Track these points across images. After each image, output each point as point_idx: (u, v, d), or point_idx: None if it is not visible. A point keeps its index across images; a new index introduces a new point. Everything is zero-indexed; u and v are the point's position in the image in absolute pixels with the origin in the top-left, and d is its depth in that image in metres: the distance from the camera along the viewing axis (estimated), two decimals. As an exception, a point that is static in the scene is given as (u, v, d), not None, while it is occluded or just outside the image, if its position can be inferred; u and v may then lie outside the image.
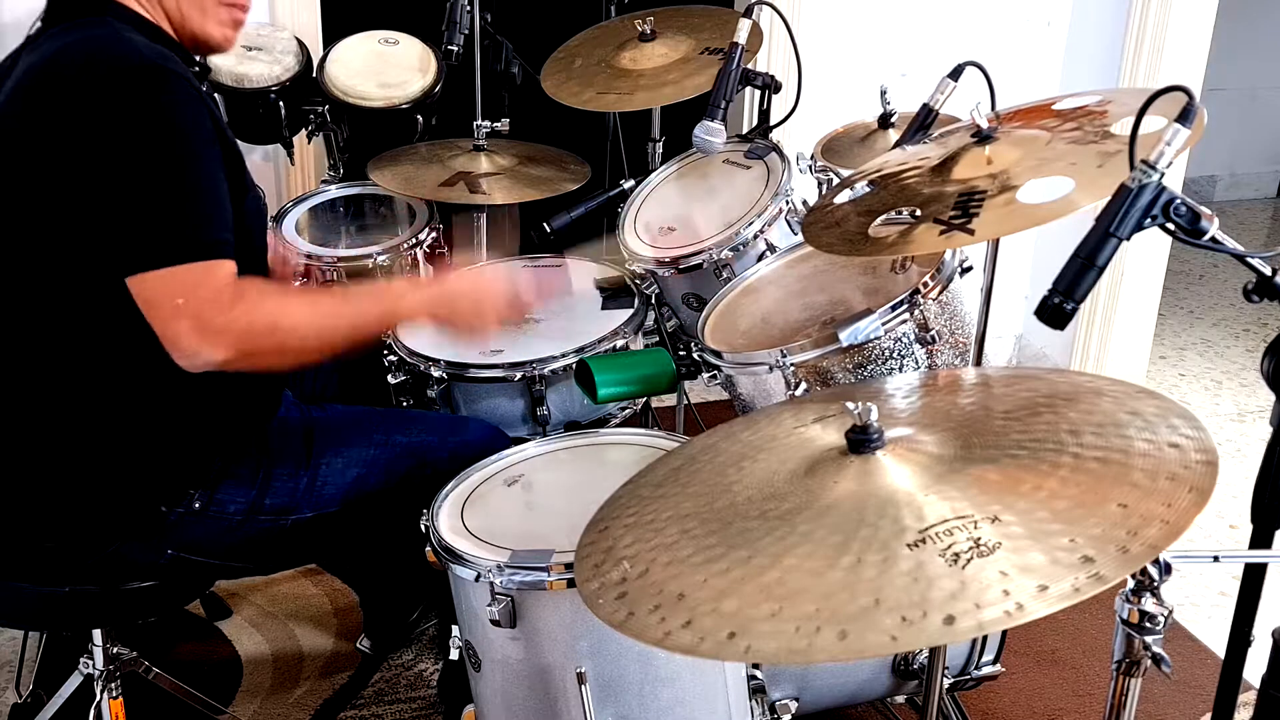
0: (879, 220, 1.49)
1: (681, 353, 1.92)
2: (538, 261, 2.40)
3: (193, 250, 1.49)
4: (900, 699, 2.18)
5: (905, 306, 1.74)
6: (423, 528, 1.63)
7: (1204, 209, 1.19)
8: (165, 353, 1.53)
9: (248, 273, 1.71)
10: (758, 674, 1.72)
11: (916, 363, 1.77)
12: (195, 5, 1.66)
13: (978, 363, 1.78)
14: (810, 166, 2.35)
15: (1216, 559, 1.20)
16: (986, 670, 2.02)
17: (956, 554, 1.02)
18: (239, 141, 2.69)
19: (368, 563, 2.36)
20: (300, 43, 2.70)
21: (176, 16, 1.66)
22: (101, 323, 1.54)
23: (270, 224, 2.54)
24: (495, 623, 1.50)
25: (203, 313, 1.48)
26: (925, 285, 1.76)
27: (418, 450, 1.84)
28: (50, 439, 1.62)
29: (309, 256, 2.45)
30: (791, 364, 1.75)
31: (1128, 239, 1.19)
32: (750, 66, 2.23)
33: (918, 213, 1.46)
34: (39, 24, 1.64)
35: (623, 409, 2.15)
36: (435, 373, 2.04)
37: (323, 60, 2.66)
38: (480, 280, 1.71)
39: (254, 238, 1.71)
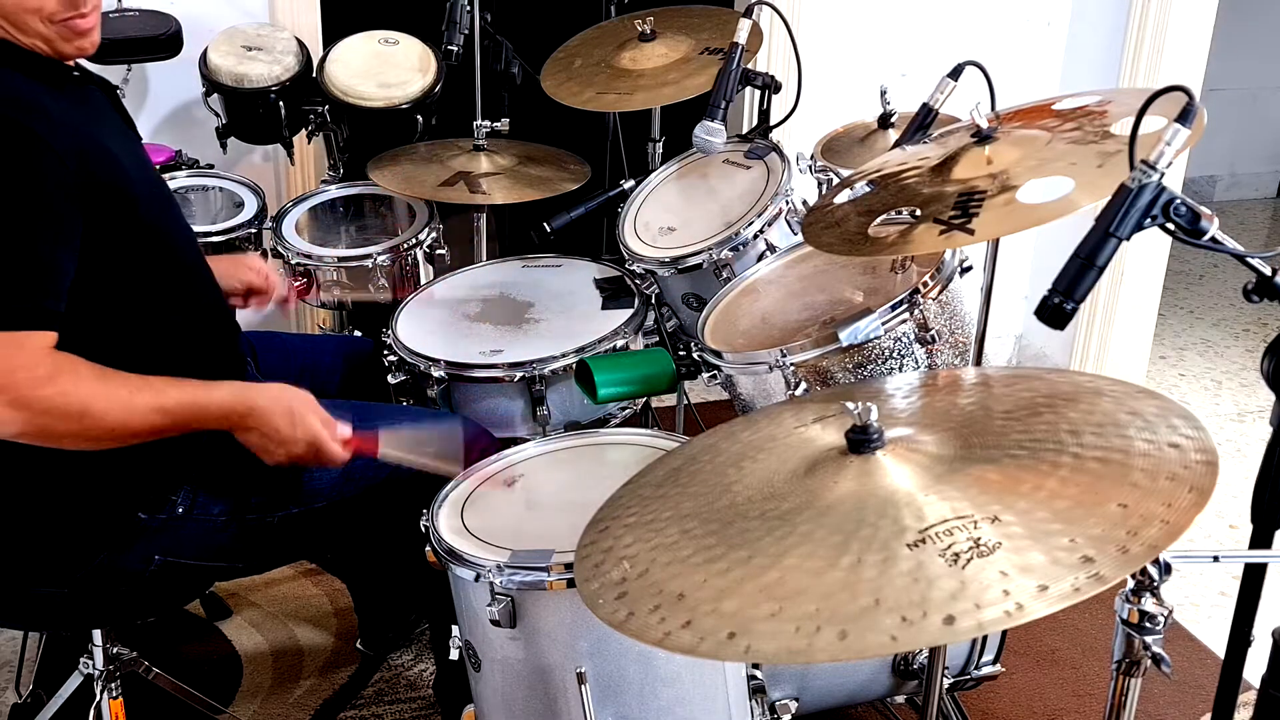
0: (879, 220, 1.49)
1: (681, 353, 1.92)
2: (537, 262, 2.40)
3: (3, 318, 1.44)
4: (900, 699, 2.18)
5: (905, 306, 1.74)
6: (423, 528, 1.63)
7: (1204, 209, 1.19)
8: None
9: (195, 300, 1.73)
10: (758, 674, 1.72)
11: (916, 363, 1.77)
12: (24, 29, 1.55)
13: (978, 363, 1.78)
14: (810, 166, 2.35)
15: (1216, 559, 1.20)
16: (986, 670, 2.02)
17: (956, 554, 1.02)
18: (238, 138, 2.72)
19: (362, 562, 2.36)
20: (300, 43, 2.70)
21: (11, 35, 1.56)
22: (70, 340, 1.51)
23: (269, 224, 2.55)
24: (495, 623, 1.50)
25: (6, 383, 1.44)
26: (925, 285, 1.76)
27: None
28: (17, 455, 1.58)
29: (309, 257, 2.45)
30: (791, 364, 1.75)
31: (1128, 239, 1.19)
32: (750, 66, 2.23)
33: (918, 213, 1.46)
34: None
35: (623, 409, 2.15)
36: (435, 373, 2.04)
37: (323, 60, 2.66)
38: (289, 428, 1.61)
39: (182, 255, 1.70)
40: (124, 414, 1.52)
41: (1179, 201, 1.18)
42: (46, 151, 1.48)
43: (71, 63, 1.65)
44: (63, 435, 1.50)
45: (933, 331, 1.76)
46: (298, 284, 2.44)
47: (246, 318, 2.14)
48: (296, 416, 1.62)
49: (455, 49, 2.47)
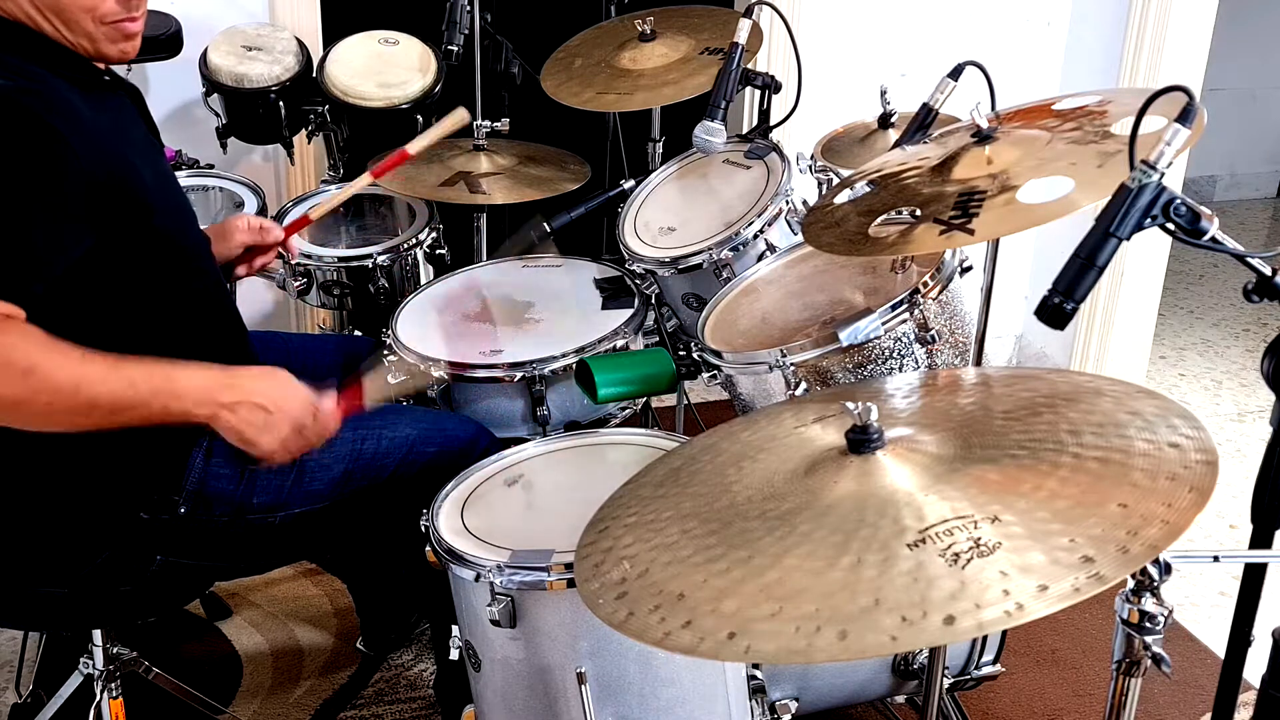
0: (879, 220, 1.49)
1: (681, 353, 1.92)
2: (537, 262, 2.40)
3: None
4: (900, 699, 2.18)
5: (905, 306, 1.74)
6: (423, 528, 1.63)
7: (1204, 209, 1.19)
8: None
9: (206, 304, 1.75)
10: (758, 674, 1.72)
11: (916, 363, 1.77)
12: (73, 26, 1.57)
13: (978, 363, 1.78)
14: (810, 166, 2.35)
15: (1216, 559, 1.20)
16: (986, 670, 2.02)
17: (956, 554, 1.02)
18: (238, 138, 2.72)
19: (362, 562, 2.36)
20: (300, 43, 2.70)
21: (57, 32, 1.57)
22: (81, 342, 1.49)
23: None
24: (495, 623, 1.50)
25: None
26: (925, 285, 1.76)
27: (403, 444, 1.84)
28: (20, 453, 1.58)
29: (309, 257, 2.45)
30: (791, 364, 1.75)
31: (1128, 239, 1.19)
32: (750, 66, 2.23)
33: (918, 213, 1.46)
34: None
35: (623, 409, 2.15)
36: (435, 373, 2.04)
37: (323, 60, 2.66)
38: (283, 396, 1.59)
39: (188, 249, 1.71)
40: (75, 377, 1.45)
41: (1179, 201, 1.18)
42: (69, 154, 1.49)
43: (104, 66, 1.66)
44: (6, 399, 1.44)
45: (933, 331, 1.76)
46: (297, 284, 2.44)
47: (247, 315, 2.15)
48: (284, 385, 1.61)
49: (455, 49, 2.47)
